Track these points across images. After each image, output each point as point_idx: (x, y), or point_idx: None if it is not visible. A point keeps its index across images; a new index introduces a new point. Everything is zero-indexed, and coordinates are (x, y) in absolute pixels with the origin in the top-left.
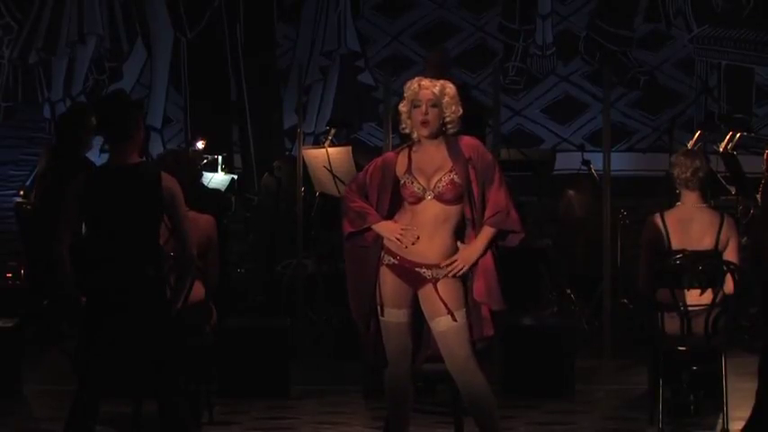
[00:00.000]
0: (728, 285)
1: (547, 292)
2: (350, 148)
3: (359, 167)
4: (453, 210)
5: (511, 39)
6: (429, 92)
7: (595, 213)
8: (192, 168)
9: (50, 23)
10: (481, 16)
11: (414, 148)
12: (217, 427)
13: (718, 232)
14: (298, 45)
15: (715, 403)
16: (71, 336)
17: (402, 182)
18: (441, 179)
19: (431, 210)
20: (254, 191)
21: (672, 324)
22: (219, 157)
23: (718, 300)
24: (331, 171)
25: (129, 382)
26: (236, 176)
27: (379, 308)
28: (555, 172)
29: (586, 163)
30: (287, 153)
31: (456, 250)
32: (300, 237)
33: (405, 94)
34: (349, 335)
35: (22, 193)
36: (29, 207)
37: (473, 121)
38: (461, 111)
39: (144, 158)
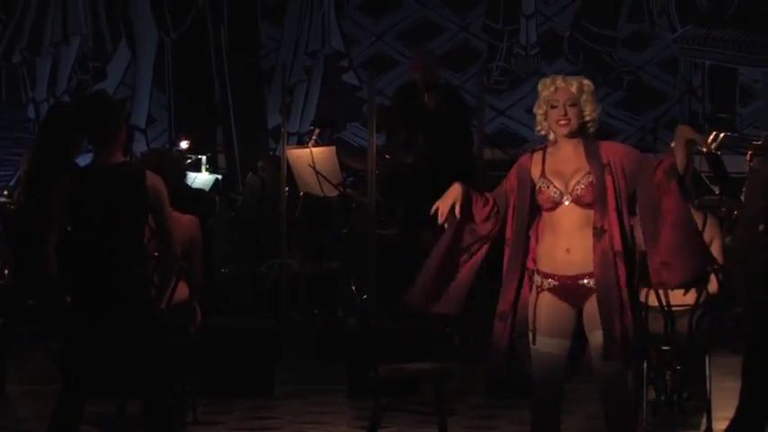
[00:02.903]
0: (713, 285)
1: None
2: (334, 147)
3: (343, 167)
4: (592, 214)
5: (495, 39)
6: (567, 91)
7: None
8: (176, 168)
9: (34, 23)
10: (465, 16)
11: (549, 150)
12: (201, 427)
13: (702, 232)
14: (282, 45)
15: (699, 403)
16: (57, 335)
17: (537, 186)
18: (579, 181)
19: (570, 215)
20: (238, 191)
21: (656, 324)
22: (203, 157)
23: (702, 300)
24: (315, 170)
25: (114, 381)
26: (220, 176)
27: (531, 334)
28: None
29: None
30: (271, 153)
31: None
32: (284, 237)
33: (540, 95)
34: (333, 335)
35: (6, 193)
36: (13, 207)
37: (460, 121)
38: (601, 108)
39: (128, 158)
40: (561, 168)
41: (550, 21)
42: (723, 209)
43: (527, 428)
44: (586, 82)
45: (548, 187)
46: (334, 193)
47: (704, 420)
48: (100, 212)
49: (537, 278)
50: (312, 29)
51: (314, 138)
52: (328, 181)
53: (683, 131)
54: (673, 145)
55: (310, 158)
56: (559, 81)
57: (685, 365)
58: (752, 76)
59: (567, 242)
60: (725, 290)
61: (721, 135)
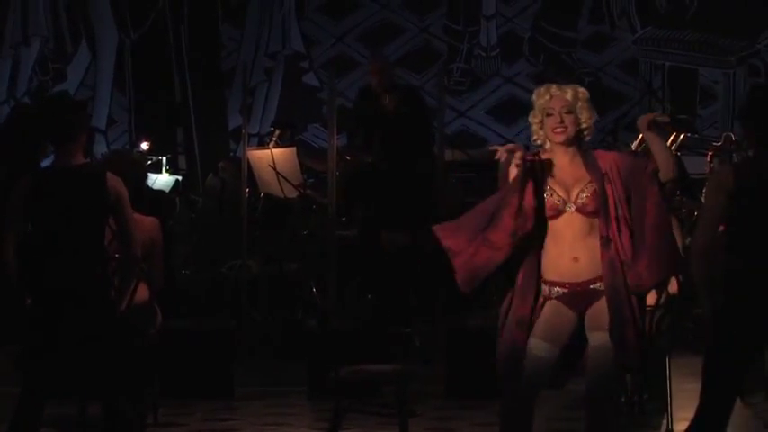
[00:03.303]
0: (673, 286)
1: (491, 292)
2: (294, 149)
3: (303, 168)
4: (596, 222)
5: (455, 40)
6: (562, 98)
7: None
8: (136, 170)
9: None
10: (426, 17)
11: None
12: (161, 429)
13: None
14: (242, 46)
15: (659, 404)
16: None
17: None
18: (582, 190)
19: (573, 224)
20: (199, 192)
21: None
22: (164, 159)
23: (662, 301)
24: (276, 171)
25: (74, 383)
26: (180, 178)
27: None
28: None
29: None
30: (231, 154)
31: None
32: (245, 238)
33: (535, 104)
34: (293, 336)
35: None
36: None
37: (421, 122)
38: (596, 116)
39: (89, 160)
40: (562, 177)
41: (511, 22)
42: (684, 210)
43: (487, 430)
44: (581, 89)
45: (551, 195)
46: (295, 194)
47: (665, 421)
48: (60, 214)
49: (544, 287)
50: (273, 30)
51: (274, 139)
52: (289, 182)
53: (641, 120)
54: (638, 142)
55: (271, 160)
56: (554, 89)
57: (646, 366)
58: (712, 78)
59: (573, 251)
60: (685, 291)
61: (681, 136)
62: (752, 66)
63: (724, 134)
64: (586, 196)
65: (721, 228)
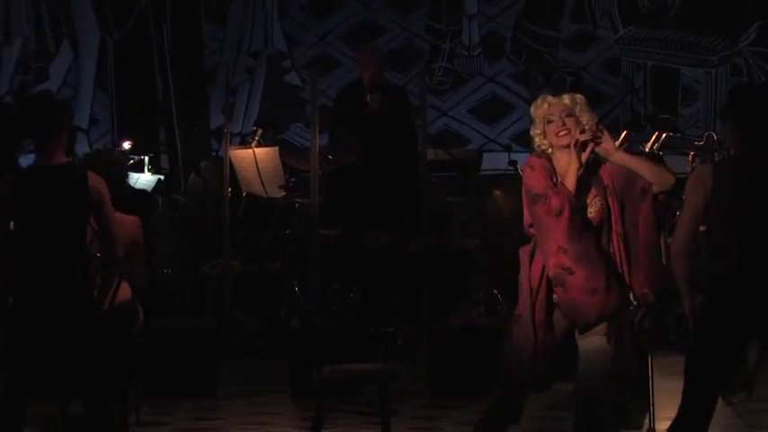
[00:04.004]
0: None
1: (474, 292)
2: (277, 148)
3: (286, 168)
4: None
5: (437, 39)
6: (560, 104)
7: (522, 213)
8: (118, 169)
9: None
10: (408, 17)
11: (554, 162)
12: (144, 428)
13: None
14: (224, 45)
15: (642, 403)
16: None
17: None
18: (590, 204)
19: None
20: (181, 191)
21: None
22: (146, 158)
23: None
24: (258, 171)
25: (57, 382)
26: (162, 177)
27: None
28: (481, 172)
29: (513, 163)
30: (214, 153)
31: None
32: (228, 237)
33: (534, 116)
34: (276, 335)
35: None
36: None
37: (404, 122)
38: (596, 117)
39: (70, 159)
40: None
41: (493, 21)
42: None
43: (470, 429)
44: (578, 95)
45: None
46: (277, 193)
47: (647, 420)
48: (42, 213)
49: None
50: (255, 29)
51: (257, 138)
52: (263, 183)
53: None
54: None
55: (253, 159)
56: (550, 98)
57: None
58: (694, 77)
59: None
60: (667, 290)
61: (663, 135)
62: (734, 65)
63: (706, 133)
64: (595, 210)
65: (702, 227)
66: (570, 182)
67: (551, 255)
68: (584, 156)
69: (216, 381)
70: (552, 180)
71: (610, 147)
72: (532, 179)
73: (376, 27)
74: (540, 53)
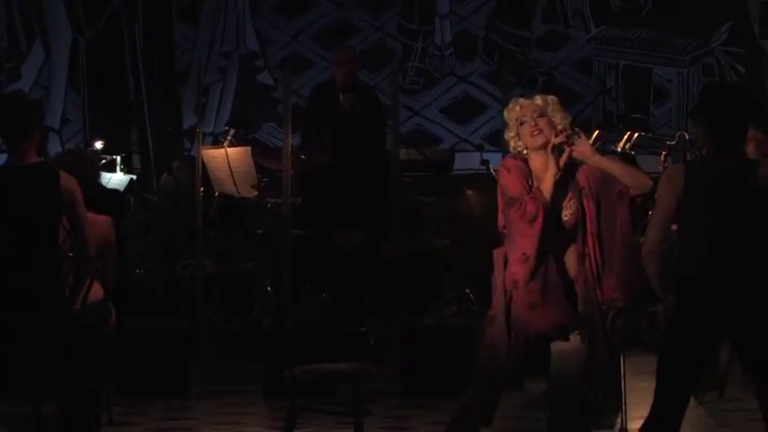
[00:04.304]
0: None
1: (446, 292)
2: (249, 148)
3: (258, 168)
4: (574, 235)
5: (410, 39)
6: (532, 105)
7: (494, 213)
8: (90, 169)
9: None
10: (380, 16)
11: (529, 163)
12: (116, 428)
13: None
14: (196, 45)
15: (614, 402)
16: None
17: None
18: (565, 206)
19: (557, 233)
20: (153, 191)
21: None
22: (118, 158)
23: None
24: (231, 170)
25: (29, 382)
26: (134, 177)
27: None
28: (454, 172)
29: (485, 163)
30: (186, 153)
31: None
32: (200, 237)
33: (507, 120)
34: (249, 335)
35: None
36: None
37: (376, 122)
38: (570, 117)
39: (42, 158)
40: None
41: (465, 21)
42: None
43: (442, 428)
44: (550, 96)
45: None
46: (250, 193)
47: (619, 420)
48: (14, 213)
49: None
50: (227, 29)
51: (229, 138)
52: (235, 183)
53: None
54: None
55: (225, 159)
56: (522, 100)
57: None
58: (666, 77)
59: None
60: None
61: (635, 135)
62: (705, 65)
63: (678, 133)
64: (570, 213)
65: (674, 226)
66: (547, 187)
67: (512, 262)
68: (562, 160)
69: (188, 380)
70: (528, 182)
71: (587, 150)
72: (508, 181)
73: (348, 27)
74: (513, 53)
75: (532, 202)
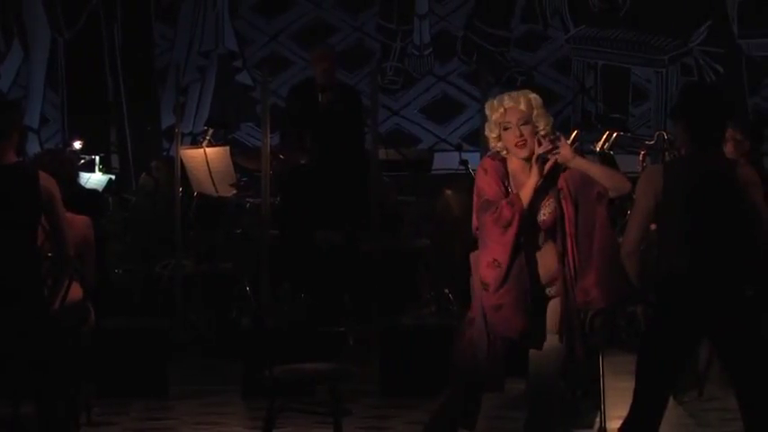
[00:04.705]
0: None
1: (425, 291)
2: (228, 148)
3: (237, 168)
4: (548, 231)
5: (388, 39)
6: (517, 111)
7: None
8: (68, 169)
9: None
10: (359, 16)
11: (507, 164)
12: (95, 428)
13: None
14: (175, 45)
15: (593, 402)
16: None
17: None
18: (544, 205)
19: (535, 235)
20: (132, 191)
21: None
22: (97, 158)
23: None
24: (209, 170)
25: (7, 383)
26: (113, 177)
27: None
28: (433, 172)
29: (464, 163)
30: (164, 153)
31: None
32: (179, 237)
33: (489, 117)
34: (228, 335)
35: None
36: None
37: (355, 121)
38: (552, 120)
39: (21, 158)
40: (523, 183)
41: (444, 21)
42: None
43: (421, 428)
44: (533, 96)
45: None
46: (228, 192)
47: (598, 419)
48: None
49: None
50: (206, 28)
51: (207, 138)
52: (214, 183)
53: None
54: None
55: (204, 159)
56: (507, 101)
57: (586, 379)
58: (644, 77)
59: (532, 257)
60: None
61: (614, 135)
62: (684, 65)
63: (657, 133)
64: (548, 212)
65: (653, 226)
66: (526, 194)
67: (483, 265)
68: (546, 169)
69: (167, 380)
70: (504, 183)
71: (568, 154)
72: (485, 183)
73: (327, 27)
74: (492, 53)
75: (509, 207)
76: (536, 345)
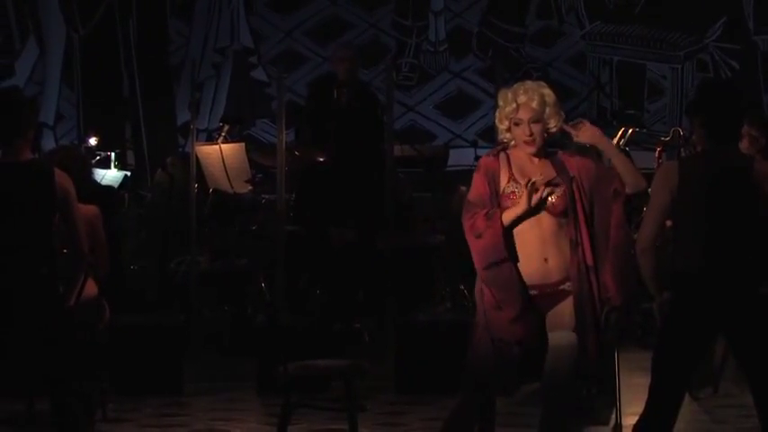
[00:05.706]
0: None
1: (440, 288)
2: (243, 144)
3: (252, 164)
4: (563, 222)
5: (404, 35)
6: (529, 108)
7: None
8: (82, 165)
9: None
10: (374, 13)
11: (511, 153)
12: (110, 425)
13: None
14: (190, 41)
15: (608, 398)
16: None
17: (509, 191)
18: (552, 190)
19: (542, 223)
20: (147, 187)
21: None
22: (112, 154)
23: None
24: (225, 166)
25: (23, 380)
26: (128, 173)
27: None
28: (448, 168)
29: (479, 159)
30: (180, 149)
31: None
32: (194, 233)
33: (501, 109)
34: (243, 332)
35: None
36: None
37: (372, 118)
38: (564, 115)
39: (36, 155)
40: (530, 174)
41: (459, 17)
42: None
43: (436, 424)
44: (547, 92)
45: (520, 195)
46: (244, 188)
47: (614, 416)
48: (8, 210)
49: None
50: (221, 25)
51: (223, 134)
52: (230, 179)
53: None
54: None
55: (219, 155)
56: (521, 95)
57: (600, 374)
58: (660, 72)
59: (543, 252)
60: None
61: (629, 131)
62: (700, 60)
63: (672, 129)
64: (557, 196)
65: (668, 223)
66: (508, 218)
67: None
68: (534, 199)
69: (182, 377)
70: (491, 185)
71: (595, 132)
72: (474, 181)
73: (342, 23)
74: (507, 49)
75: (483, 221)
76: (538, 345)
